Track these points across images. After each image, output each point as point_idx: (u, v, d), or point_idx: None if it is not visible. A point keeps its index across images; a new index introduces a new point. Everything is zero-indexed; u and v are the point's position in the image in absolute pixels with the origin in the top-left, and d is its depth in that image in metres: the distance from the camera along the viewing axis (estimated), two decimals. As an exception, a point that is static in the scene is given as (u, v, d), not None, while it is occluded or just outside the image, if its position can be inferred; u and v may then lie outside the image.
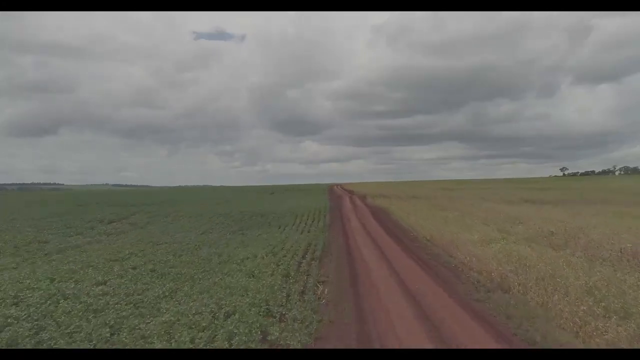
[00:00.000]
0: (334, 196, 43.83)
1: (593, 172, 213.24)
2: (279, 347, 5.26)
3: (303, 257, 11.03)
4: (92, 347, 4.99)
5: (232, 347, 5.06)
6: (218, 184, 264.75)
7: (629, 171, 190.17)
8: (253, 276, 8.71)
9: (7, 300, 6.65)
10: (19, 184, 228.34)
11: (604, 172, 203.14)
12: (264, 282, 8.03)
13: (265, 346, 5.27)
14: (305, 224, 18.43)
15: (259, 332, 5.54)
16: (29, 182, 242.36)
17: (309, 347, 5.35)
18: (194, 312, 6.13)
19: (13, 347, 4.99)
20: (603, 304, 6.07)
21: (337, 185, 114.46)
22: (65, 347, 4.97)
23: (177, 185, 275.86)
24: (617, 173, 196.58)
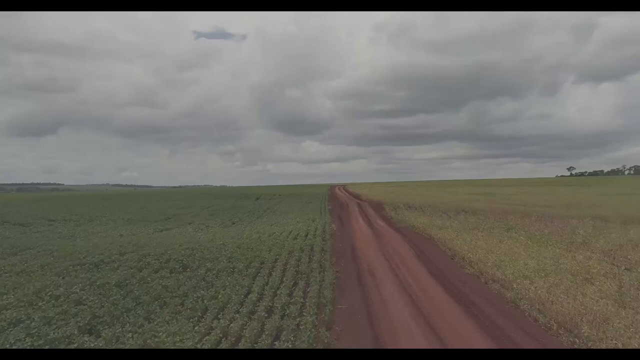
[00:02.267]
0: (337, 204, 32.72)
1: (602, 171, 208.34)
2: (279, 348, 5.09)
3: None
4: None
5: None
6: (218, 184, 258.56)
7: (639, 171, 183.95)
8: None
9: None
10: (19, 184, 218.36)
11: (613, 172, 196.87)
12: None
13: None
14: (273, 300, 7.41)
15: None
16: (29, 183, 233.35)
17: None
18: None
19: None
20: None
21: (339, 186, 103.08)
22: None
23: (178, 185, 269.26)
24: (626, 173, 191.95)
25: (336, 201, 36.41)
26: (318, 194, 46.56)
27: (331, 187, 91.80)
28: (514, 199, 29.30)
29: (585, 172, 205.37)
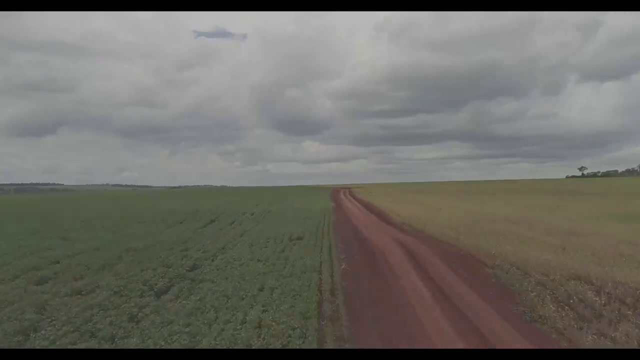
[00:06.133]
0: (360, 251, 15.26)
1: (615, 171, 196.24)
2: (279, 348, 5.14)
3: None
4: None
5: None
6: (219, 184, 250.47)
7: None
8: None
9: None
10: (18, 184, 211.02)
11: (628, 172, 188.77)
12: None
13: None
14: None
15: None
16: (28, 183, 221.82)
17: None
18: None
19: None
20: None
21: (343, 189, 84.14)
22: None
23: (178, 185, 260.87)
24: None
25: (352, 235, 18.58)
26: (316, 211, 28.79)
27: (334, 191, 73.44)
28: None
29: (598, 172, 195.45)
